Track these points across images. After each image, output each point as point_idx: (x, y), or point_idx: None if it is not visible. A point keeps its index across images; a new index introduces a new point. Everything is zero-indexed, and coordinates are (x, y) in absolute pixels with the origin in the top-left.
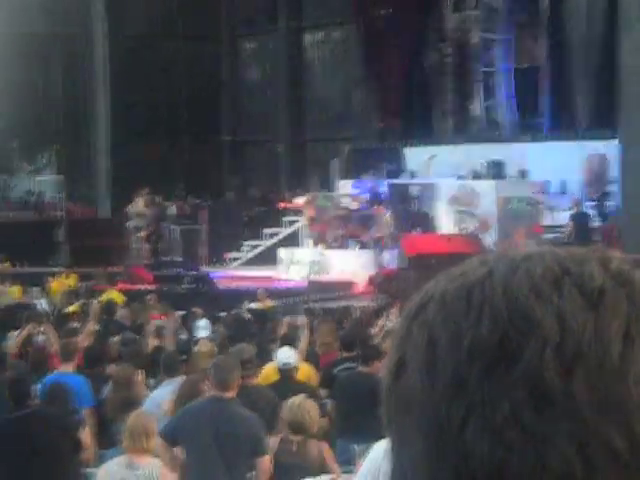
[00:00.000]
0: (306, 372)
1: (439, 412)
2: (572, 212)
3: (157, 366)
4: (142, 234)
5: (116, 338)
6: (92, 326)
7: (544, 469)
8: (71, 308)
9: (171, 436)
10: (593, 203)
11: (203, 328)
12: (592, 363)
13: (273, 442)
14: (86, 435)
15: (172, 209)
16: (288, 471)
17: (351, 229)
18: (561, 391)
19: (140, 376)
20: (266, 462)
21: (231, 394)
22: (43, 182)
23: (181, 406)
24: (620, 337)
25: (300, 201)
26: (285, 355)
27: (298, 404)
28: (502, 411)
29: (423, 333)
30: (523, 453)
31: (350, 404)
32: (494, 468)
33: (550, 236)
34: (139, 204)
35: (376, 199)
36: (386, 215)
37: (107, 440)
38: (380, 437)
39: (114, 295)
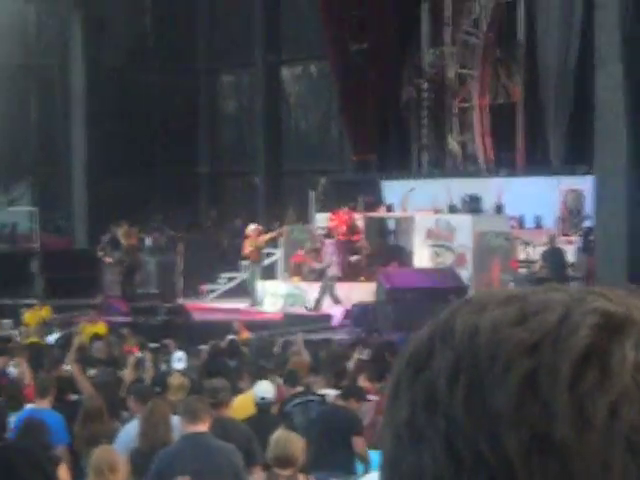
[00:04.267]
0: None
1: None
2: (544, 249)
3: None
4: (115, 265)
5: (92, 371)
6: (73, 361)
7: (421, 468)
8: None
9: None
10: (572, 238)
11: (179, 360)
12: (472, 375)
13: (258, 477)
14: (63, 472)
15: (148, 240)
16: None
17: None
18: (445, 394)
19: None
20: None
21: (204, 427)
22: (17, 213)
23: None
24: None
25: (250, 229)
26: (263, 389)
27: (285, 438)
28: (404, 414)
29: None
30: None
31: (327, 438)
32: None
33: (525, 271)
34: (116, 235)
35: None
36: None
37: (76, 474)
38: (354, 472)
39: (99, 328)
